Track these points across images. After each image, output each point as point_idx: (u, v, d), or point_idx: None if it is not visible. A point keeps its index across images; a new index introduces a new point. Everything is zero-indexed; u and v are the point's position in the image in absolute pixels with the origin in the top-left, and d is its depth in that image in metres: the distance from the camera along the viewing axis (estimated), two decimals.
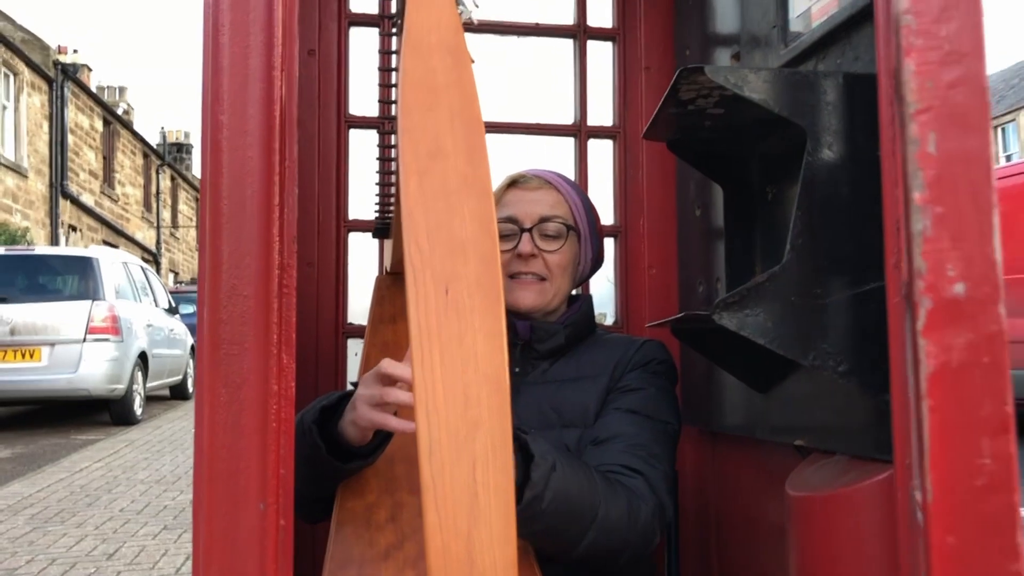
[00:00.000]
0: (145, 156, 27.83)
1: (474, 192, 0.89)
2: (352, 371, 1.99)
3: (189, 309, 13.97)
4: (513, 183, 1.57)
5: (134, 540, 4.43)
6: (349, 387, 1.64)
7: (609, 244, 2.12)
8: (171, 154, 32.58)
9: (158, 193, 29.08)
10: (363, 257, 2.01)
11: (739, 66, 1.67)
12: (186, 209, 32.63)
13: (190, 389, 12.36)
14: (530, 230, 1.52)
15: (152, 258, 27.68)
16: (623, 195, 2.10)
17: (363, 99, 2.01)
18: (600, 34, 2.11)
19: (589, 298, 1.66)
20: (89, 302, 9.17)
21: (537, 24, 2.09)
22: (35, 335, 8.92)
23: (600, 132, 2.11)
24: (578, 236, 1.58)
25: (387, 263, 1.69)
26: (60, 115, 20.17)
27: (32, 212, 18.85)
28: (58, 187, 19.92)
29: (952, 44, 0.78)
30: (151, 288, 11.78)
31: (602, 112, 2.13)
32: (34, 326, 8.93)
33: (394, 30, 1.18)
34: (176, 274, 31.08)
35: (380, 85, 1.30)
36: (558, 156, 2.15)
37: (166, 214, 30.19)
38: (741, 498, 1.82)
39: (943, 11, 0.78)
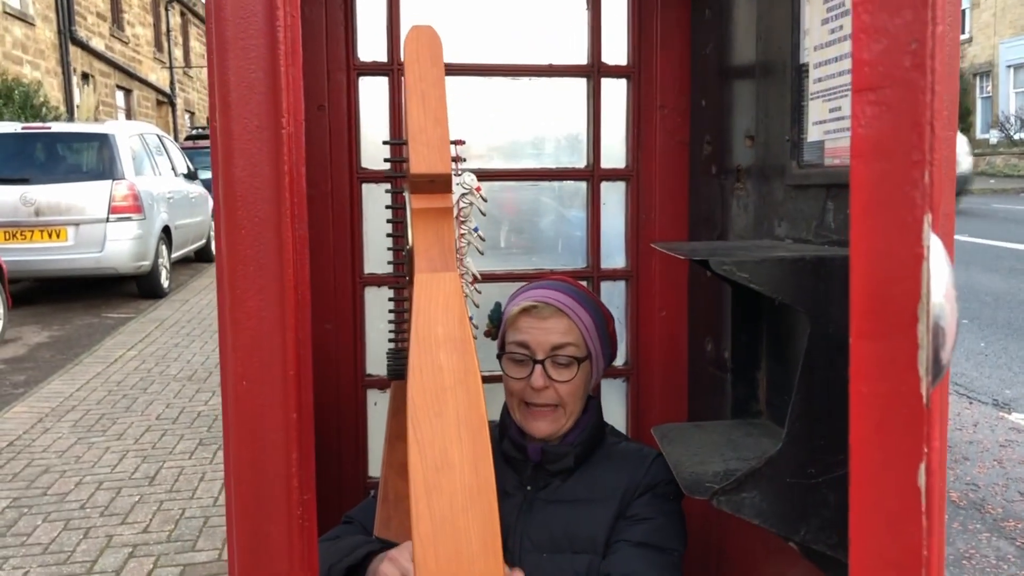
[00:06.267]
0: None
1: (480, 506, 0.95)
2: (371, 418, 2.07)
3: (207, 175, 13.97)
4: (526, 310, 1.57)
5: (172, 460, 4.70)
6: (370, 496, 1.68)
7: (621, 287, 2.15)
8: None
9: (168, 32, 28.37)
10: (380, 310, 2.05)
11: (741, 247, 1.67)
12: (198, 46, 31.86)
13: (214, 251, 12.57)
14: (542, 362, 1.55)
15: (167, 99, 27.37)
16: (635, 236, 2.10)
17: (374, 151, 1.99)
18: (614, 72, 2.05)
19: (597, 406, 1.68)
20: (109, 181, 9.22)
21: (551, 65, 2.03)
22: (59, 215, 9.05)
23: (612, 175, 2.09)
24: (590, 360, 1.60)
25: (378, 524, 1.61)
26: None
27: (43, 62, 18.54)
28: (67, 33, 19.47)
29: None
30: (169, 156, 11.78)
31: (614, 153, 2.10)
32: (58, 206, 9.05)
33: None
34: (192, 114, 30.77)
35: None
36: (570, 195, 2.15)
37: (178, 53, 29.58)
38: (744, 529, 1.93)
39: None
